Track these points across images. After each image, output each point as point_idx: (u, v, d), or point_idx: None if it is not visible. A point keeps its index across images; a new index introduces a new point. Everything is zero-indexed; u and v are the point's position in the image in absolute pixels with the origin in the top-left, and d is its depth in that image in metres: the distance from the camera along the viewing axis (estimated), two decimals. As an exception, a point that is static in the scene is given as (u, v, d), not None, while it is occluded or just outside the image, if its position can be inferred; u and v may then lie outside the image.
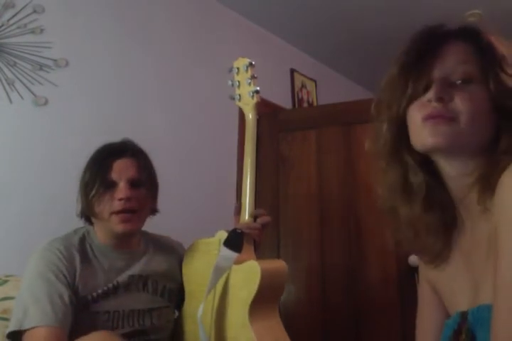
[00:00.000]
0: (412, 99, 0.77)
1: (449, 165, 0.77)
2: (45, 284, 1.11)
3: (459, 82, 0.75)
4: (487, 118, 0.74)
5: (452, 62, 0.76)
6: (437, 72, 0.76)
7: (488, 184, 0.70)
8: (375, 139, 0.84)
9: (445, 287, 0.83)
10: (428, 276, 0.88)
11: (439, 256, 0.81)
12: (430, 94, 0.74)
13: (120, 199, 1.19)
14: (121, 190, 1.20)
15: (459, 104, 0.73)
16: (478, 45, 0.77)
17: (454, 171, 0.77)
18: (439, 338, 0.81)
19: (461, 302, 0.77)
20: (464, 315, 0.73)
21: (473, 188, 0.74)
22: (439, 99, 0.73)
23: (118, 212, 1.19)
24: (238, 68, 1.37)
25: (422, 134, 0.75)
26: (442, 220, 0.80)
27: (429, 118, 0.73)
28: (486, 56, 0.76)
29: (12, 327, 1.08)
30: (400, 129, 0.80)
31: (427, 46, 0.78)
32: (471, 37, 0.78)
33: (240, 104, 1.37)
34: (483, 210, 0.71)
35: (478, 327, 0.69)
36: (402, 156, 0.81)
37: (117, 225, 1.20)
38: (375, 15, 2.89)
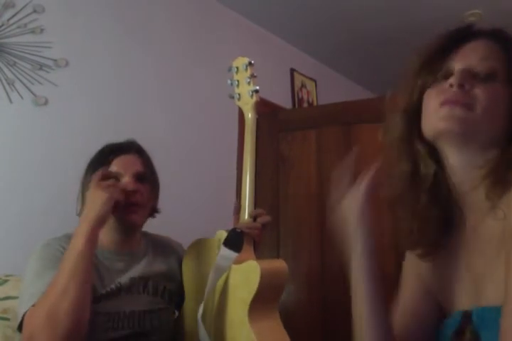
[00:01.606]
0: (429, 86, 0.78)
1: (457, 155, 0.76)
2: (47, 274, 1.10)
3: (483, 75, 0.74)
4: (503, 114, 0.74)
5: (478, 56, 0.76)
6: (460, 64, 0.76)
7: (499, 181, 0.70)
8: (387, 129, 0.84)
9: (442, 284, 0.82)
10: (420, 270, 0.87)
11: (438, 249, 0.81)
12: (452, 80, 0.74)
13: (127, 192, 1.20)
14: (128, 182, 1.22)
15: (479, 93, 0.73)
16: (506, 46, 0.77)
17: (463, 162, 0.76)
18: (424, 332, 0.81)
19: (462, 300, 0.76)
20: (466, 315, 0.73)
21: (481, 183, 0.73)
22: (461, 85, 0.73)
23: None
24: (237, 67, 1.36)
25: (435, 118, 0.74)
26: (445, 213, 0.80)
27: (447, 102, 0.73)
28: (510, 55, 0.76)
29: (20, 312, 1.06)
30: (414, 118, 0.80)
31: (451, 42, 0.78)
32: (500, 37, 0.78)
33: (240, 104, 1.36)
34: (490, 207, 0.71)
35: (483, 328, 0.69)
36: (413, 146, 0.81)
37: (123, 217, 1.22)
38: (375, 16, 2.89)
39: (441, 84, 0.76)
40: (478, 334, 0.69)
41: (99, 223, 1.10)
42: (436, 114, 0.74)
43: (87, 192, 1.16)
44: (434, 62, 0.78)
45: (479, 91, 0.73)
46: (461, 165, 0.77)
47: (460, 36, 0.79)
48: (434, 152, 0.79)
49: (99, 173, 1.19)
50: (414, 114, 0.80)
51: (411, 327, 0.86)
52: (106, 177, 1.19)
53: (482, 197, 0.73)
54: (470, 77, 0.74)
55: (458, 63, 0.76)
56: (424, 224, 0.80)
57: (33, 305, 1.03)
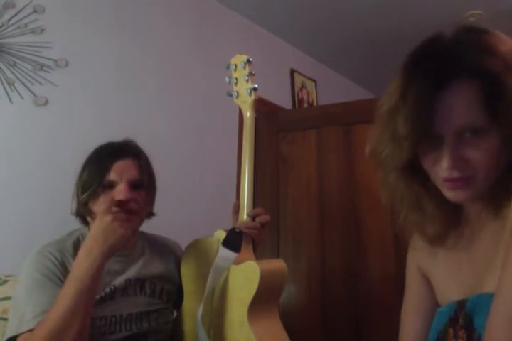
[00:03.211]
0: (420, 147, 0.75)
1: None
2: (41, 290, 1.09)
3: (469, 135, 0.71)
4: (501, 161, 0.72)
5: (462, 120, 0.70)
6: (448, 130, 0.71)
7: (502, 202, 0.72)
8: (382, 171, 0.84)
9: (440, 274, 0.84)
10: (421, 264, 0.89)
11: (447, 233, 0.83)
12: (445, 162, 0.72)
13: (120, 201, 1.18)
14: (122, 191, 1.19)
15: (475, 162, 0.71)
16: (486, 81, 0.69)
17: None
18: (429, 326, 0.82)
19: (458, 291, 0.78)
20: (461, 303, 0.74)
21: (486, 207, 0.77)
22: (455, 167, 0.72)
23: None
24: (236, 65, 1.35)
25: (442, 187, 0.76)
26: (452, 210, 0.82)
27: (447, 180, 0.74)
28: (495, 97, 0.68)
29: (9, 333, 1.05)
30: (409, 170, 0.80)
31: (428, 88, 0.71)
32: (480, 74, 0.70)
33: (238, 102, 1.34)
34: (494, 208, 0.74)
35: (476, 313, 0.70)
36: (411, 182, 0.82)
37: None
38: (375, 16, 2.89)
39: (433, 150, 0.74)
40: (472, 319, 0.70)
41: (109, 257, 1.08)
42: (441, 185, 0.76)
43: (98, 219, 1.10)
44: (417, 120, 0.71)
45: (474, 159, 0.71)
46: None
47: (435, 76, 0.71)
48: None
49: (111, 200, 1.17)
50: (409, 168, 0.79)
51: (420, 322, 0.88)
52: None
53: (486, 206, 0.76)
54: (459, 147, 0.71)
55: (446, 131, 0.71)
56: (436, 209, 0.82)
57: (30, 330, 1.01)
